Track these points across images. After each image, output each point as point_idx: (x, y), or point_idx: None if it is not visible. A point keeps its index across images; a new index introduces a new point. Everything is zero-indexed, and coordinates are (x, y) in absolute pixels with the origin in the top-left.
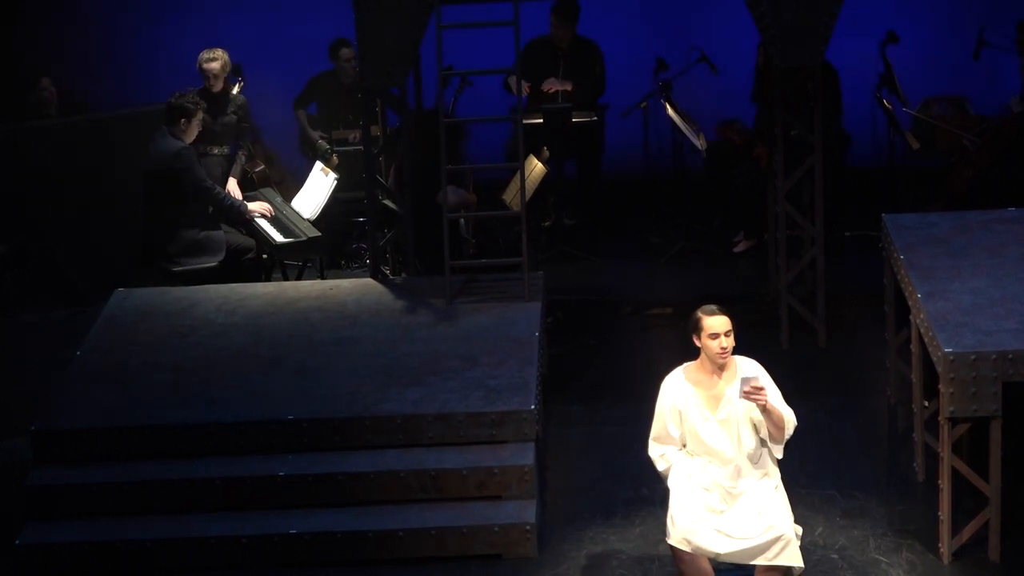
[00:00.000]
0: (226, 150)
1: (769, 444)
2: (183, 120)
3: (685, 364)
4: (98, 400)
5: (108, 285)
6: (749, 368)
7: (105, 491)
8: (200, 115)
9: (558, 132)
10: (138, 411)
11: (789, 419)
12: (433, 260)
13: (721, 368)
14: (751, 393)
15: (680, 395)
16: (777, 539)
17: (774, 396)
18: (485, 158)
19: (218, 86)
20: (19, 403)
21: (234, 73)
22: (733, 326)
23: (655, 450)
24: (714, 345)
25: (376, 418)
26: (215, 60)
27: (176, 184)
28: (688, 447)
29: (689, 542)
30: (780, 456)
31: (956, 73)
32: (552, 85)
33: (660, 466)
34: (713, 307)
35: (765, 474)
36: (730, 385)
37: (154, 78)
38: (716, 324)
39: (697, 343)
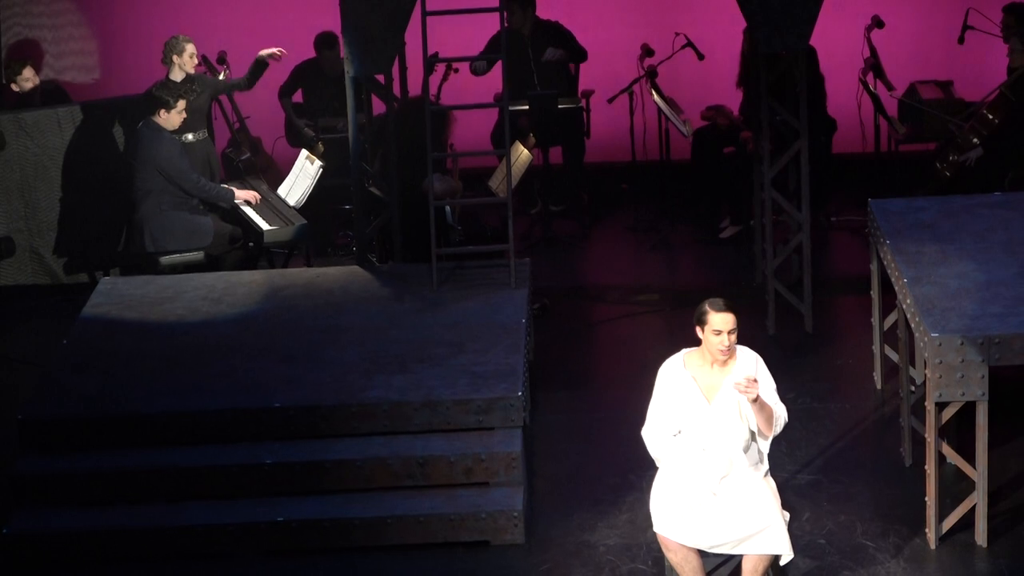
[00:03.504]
0: (202, 135)
1: (757, 437)
2: (163, 111)
3: (686, 350)
4: (85, 389)
5: (94, 273)
6: (747, 359)
7: (92, 479)
8: (182, 105)
9: (544, 119)
10: (125, 400)
11: (779, 415)
12: (419, 247)
13: (722, 361)
14: (741, 385)
15: (678, 382)
16: (764, 528)
17: (767, 390)
18: (471, 145)
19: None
20: (5, 392)
21: (219, 61)
22: (737, 323)
23: (649, 434)
24: (717, 341)
25: (363, 405)
26: (192, 42)
27: (160, 173)
28: (683, 434)
29: (676, 531)
30: (767, 451)
31: (942, 57)
32: (551, 56)
33: (653, 451)
34: (720, 302)
35: (756, 463)
36: (728, 376)
37: (138, 66)
38: (721, 321)
39: (700, 335)
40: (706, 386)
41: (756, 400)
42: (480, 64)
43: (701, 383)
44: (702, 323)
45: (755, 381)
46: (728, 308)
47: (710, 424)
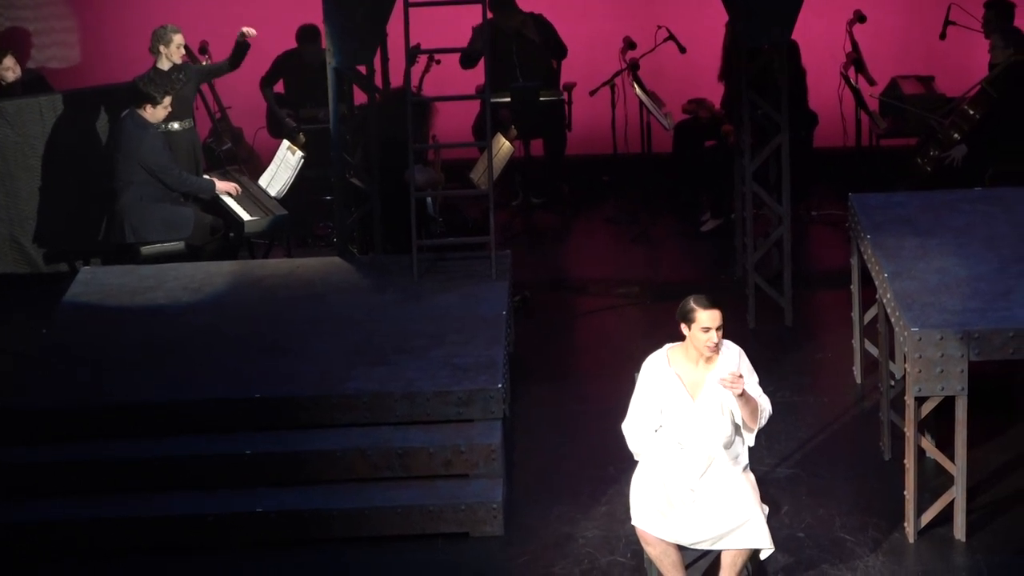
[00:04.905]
0: (187, 124)
1: (742, 431)
2: (148, 105)
3: (669, 346)
4: (64, 378)
5: (74, 263)
6: (731, 354)
7: (70, 470)
8: (168, 100)
9: (525, 111)
10: (104, 390)
11: (764, 408)
12: (400, 238)
13: (707, 357)
14: (727, 381)
15: (663, 380)
16: (744, 523)
17: (751, 383)
18: (453, 137)
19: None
20: None
21: (200, 51)
22: (723, 319)
23: (630, 429)
24: (704, 338)
25: (343, 396)
26: (180, 32)
27: (142, 167)
28: (664, 429)
29: (655, 526)
30: (751, 444)
31: (923, 52)
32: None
33: (633, 446)
34: (706, 299)
35: (735, 458)
36: (712, 372)
37: (121, 54)
38: (709, 318)
39: (685, 331)
40: (691, 383)
41: (742, 395)
42: (475, 50)
43: (686, 380)
44: (688, 320)
45: (740, 377)
46: (715, 304)
47: (694, 421)
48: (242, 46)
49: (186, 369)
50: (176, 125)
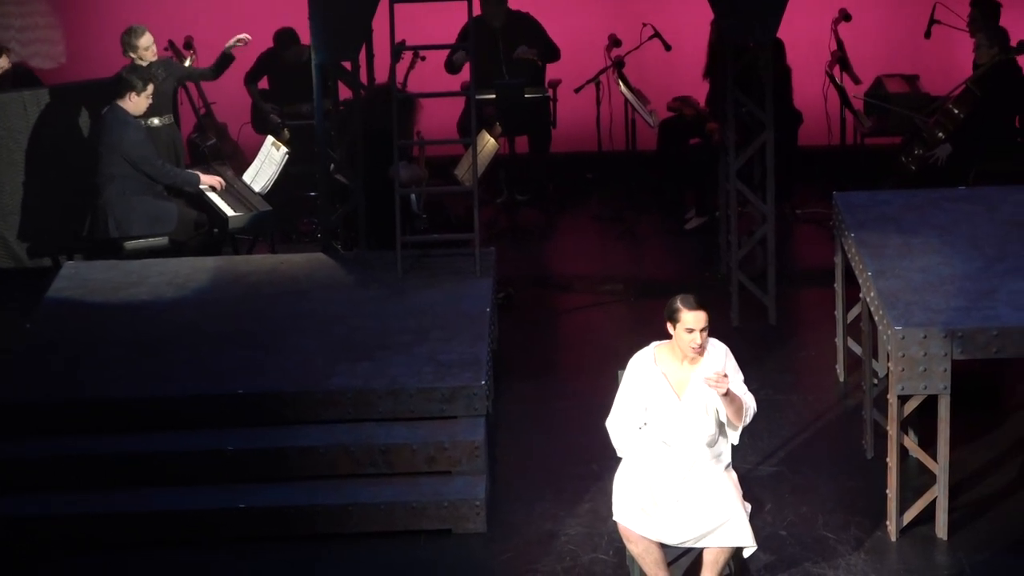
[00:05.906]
0: (167, 120)
1: (726, 429)
2: (131, 93)
3: (656, 344)
4: (47, 373)
5: (57, 257)
6: (716, 353)
7: (51, 465)
8: (151, 89)
9: (510, 108)
10: (87, 385)
11: (749, 406)
12: (384, 235)
13: (692, 357)
14: (712, 380)
15: (649, 378)
16: (726, 522)
17: (736, 382)
18: (437, 134)
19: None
20: None
21: (185, 46)
22: (708, 320)
23: (615, 426)
24: (688, 339)
25: (327, 393)
26: (145, 34)
27: (126, 160)
28: (649, 427)
29: (637, 523)
30: (736, 442)
31: (908, 51)
32: (523, 53)
33: (617, 443)
34: (693, 299)
35: (718, 457)
36: (697, 370)
37: (105, 51)
38: (694, 319)
39: (671, 330)
40: (676, 381)
41: (727, 394)
42: (459, 58)
43: (672, 378)
44: (674, 320)
45: (725, 376)
46: (700, 306)
47: (679, 419)
48: (227, 57)
49: (169, 365)
50: (156, 121)
